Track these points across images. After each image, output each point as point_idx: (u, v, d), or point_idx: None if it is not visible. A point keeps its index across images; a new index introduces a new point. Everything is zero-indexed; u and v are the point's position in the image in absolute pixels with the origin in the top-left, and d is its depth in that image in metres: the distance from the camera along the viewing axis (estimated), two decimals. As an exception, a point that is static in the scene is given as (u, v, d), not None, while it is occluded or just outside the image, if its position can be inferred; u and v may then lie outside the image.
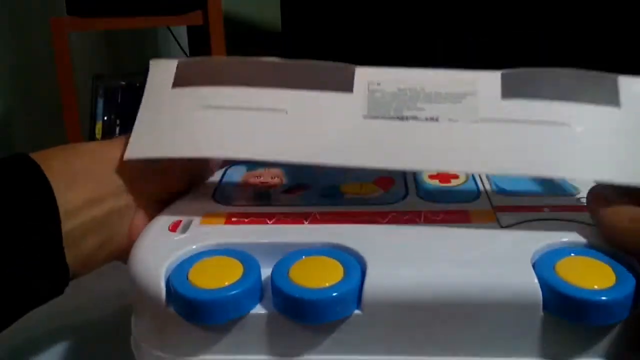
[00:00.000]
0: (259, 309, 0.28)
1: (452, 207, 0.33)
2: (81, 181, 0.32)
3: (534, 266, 0.28)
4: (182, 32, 1.71)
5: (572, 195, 0.35)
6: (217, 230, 0.31)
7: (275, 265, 0.28)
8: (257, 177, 0.38)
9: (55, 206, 0.30)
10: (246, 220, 0.32)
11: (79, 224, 0.31)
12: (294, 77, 0.34)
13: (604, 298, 0.26)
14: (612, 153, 0.31)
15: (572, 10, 1.24)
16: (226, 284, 0.27)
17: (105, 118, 1.51)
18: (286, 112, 0.33)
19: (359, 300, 0.27)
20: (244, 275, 0.28)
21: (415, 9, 1.34)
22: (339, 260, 0.29)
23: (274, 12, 1.49)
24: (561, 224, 0.31)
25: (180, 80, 0.34)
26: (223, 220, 0.32)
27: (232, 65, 0.35)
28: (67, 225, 0.31)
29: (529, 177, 0.35)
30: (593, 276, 0.28)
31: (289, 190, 0.37)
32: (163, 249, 0.30)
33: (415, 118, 0.32)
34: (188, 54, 1.71)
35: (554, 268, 0.28)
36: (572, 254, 0.29)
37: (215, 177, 0.39)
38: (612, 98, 0.32)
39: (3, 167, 0.31)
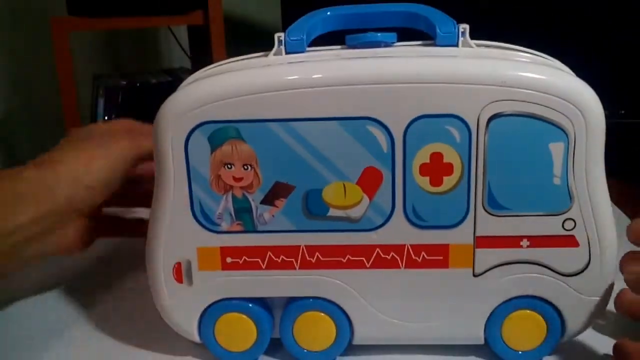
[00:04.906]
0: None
1: (435, 238, 0.37)
2: (25, 204, 0.41)
3: (485, 326, 0.38)
4: (182, 32, 1.71)
5: (560, 212, 0.36)
6: (218, 281, 0.38)
7: (281, 326, 0.39)
8: (227, 165, 0.36)
9: None
10: (240, 262, 0.37)
11: (24, 237, 0.41)
12: None
13: None
14: None
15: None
16: (248, 346, 0.39)
17: (106, 118, 1.51)
18: None
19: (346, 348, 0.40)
20: (258, 338, 0.39)
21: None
22: (331, 316, 0.38)
23: (274, 12, 1.49)
24: (531, 271, 0.37)
25: None
26: (219, 264, 0.37)
27: None
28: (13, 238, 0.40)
29: None
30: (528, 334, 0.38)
31: (269, 196, 0.36)
32: (185, 306, 0.39)
33: None
34: (188, 54, 1.71)
35: (501, 327, 0.38)
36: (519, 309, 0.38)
37: (178, 160, 0.36)
38: None
39: None
